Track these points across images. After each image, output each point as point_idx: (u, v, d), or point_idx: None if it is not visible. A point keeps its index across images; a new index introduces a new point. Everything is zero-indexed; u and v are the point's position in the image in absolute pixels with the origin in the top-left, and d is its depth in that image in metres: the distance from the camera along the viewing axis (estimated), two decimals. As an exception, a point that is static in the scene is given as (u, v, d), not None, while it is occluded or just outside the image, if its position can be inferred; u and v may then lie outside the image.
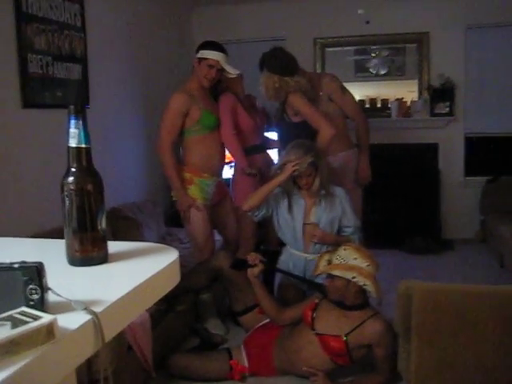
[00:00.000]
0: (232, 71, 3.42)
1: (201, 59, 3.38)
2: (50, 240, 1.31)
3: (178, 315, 3.24)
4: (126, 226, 3.64)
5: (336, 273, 2.65)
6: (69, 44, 3.55)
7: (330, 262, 2.76)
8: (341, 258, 2.68)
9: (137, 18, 4.58)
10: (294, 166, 3.02)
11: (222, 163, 3.68)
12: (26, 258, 0.89)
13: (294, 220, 3.18)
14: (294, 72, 3.50)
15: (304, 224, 3.18)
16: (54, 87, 3.40)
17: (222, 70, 3.40)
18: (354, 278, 2.60)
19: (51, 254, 1.15)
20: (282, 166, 3.09)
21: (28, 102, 3.17)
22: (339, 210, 3.17)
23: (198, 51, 3.44)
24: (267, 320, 3.04)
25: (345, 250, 2.70)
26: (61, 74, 3.48)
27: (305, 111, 3.48)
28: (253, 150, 3.64)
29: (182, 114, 3.37)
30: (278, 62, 3.49)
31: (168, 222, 4.68)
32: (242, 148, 3.52)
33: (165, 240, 4.27)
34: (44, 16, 3.29)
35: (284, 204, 3.20)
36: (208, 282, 3.23)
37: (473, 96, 5.56)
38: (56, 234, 2.01)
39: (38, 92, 3.26)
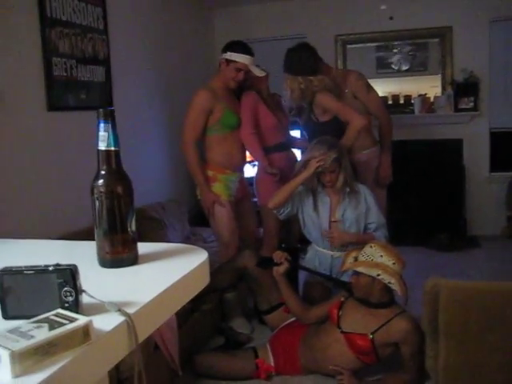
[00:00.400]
0: (259, 73, 3.43)
1: (229, 61, 3.39)
2: (80, 242, 1.33)
3: (203, 314, 3.26)
4: (151, 227, 3.67)
5: (361, 270, 2.64)
6: (92, 47, 3.59)
7: (356, 259, 2.74)
8: (367, 255, 2.67)
9: (158, 19, 4.61)
10: (318, 162, 3.01)
11: (244, 161, 3.72)
12: (58, 260, 0.90)
13: (320, 217, 3.18)
14: (317, 70, 3.50)
15: (330, 221, 3.17)
16: (77, 90, 3.45)
17: (248, 72, 3.41)
18: (378, 275, 2.58)
19: (82, 255, 1.16)
20: (305, 162, 3.09)
21: (53, 105, 3.21)
22: (364, 207, 3.16)
23: (225, 51, 3.43)
24: (293, 319, 3.04)
25: (371, 247, 2.69)
26: (84, 76, 3.51)
27: (334, 107, 3.48)
28: (276, 148, 3.63)
29: (206, 112, 3.39)
30: (300, 62, 3.49)
31: (192, 222, 4.70)
32: (261, 147, 3.53)
33: (189, 240, 4.29)
34: (67, 20, 3.33)
35: (309, 202, 3.20)
36: (233, 281, 3.24)
37: (497, 90, 5.48)
38: (83, 235, 2.04)
39: (62, 95, 3.30)
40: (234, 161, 3.56)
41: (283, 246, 3.77)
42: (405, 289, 2.61)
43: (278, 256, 3.01)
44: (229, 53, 3.40)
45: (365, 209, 3.17)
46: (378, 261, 2.62)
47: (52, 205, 3.15)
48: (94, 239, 1.16)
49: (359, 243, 2.95)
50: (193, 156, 3.40)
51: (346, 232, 3.15)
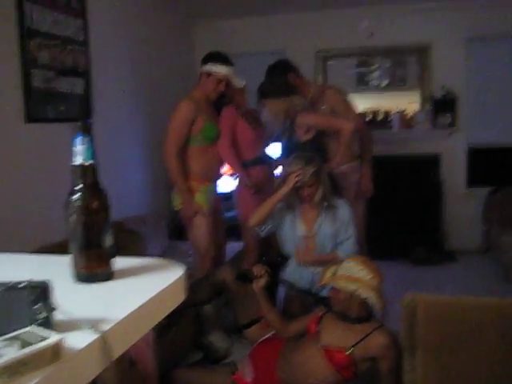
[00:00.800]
0: (238, 84, 3.46)
1: (209, 73, 3.40)
2: (54, 256, 1.31)
3: (181, 329, 3.23)
4: (130, 240, 3.63)
5: (339, 284, 2.64)
6: (72, 58, 3.57)
7: (335, 274, 2.75)
8: (345, 269, 2.67)
9: (139, 31, 4.60)
10: (296, 177, 3.03)
11: (220, 173, 3.77)
12: (31, 274, 0.89)
13: (297, 233, 3.18)
14: (294, 89, 3.58)
15: (307, 237, 3.18)
16: (57, 101, 3.43)
17: (229, 83, 3.43)
18: (356, 290, 2.59)
19: (56, 270, 1.14)
20: (284, 178, 3.10)
21: (31, 117, 3.19)
22: (341, 221, 3.17)
23: (205, 62, 3.45)
24: (272, 332, 3.03)
25: (349, 262, 2.70)
26: (64, 88, 3.50)
27: (320, 121, 3.58)
28: (254, 162, 3.66)
29: (189, 122, 3.41)
30: (278, 85, 3.56)
31: (171, 235, 4.67)
32: (239, 161, 3.56)
33: (168, 253, 4.26)
34: (47, 31, 3.31)
35: (288, 218, 3.20)
36: (212, 296, 3.22)
37: (475, 107, 5.57)
38: (58, 248, 2.01)
39: (41, 106, 3.28)
40: (213, 172, 3.61)
41: (264, 259, 3.76)
42: (383, 304, 2.62)
43: (258, 269, 3.00)
44: (209, 65, 3.42)
45: (341, 224, 3.17)
46: (356, 276, 2.63)
47: (28, 218, 3.11)
48: (68, 253, 1.15)
49: (323, 262, 2.96)
50: (176, 166, 3.40)
51: (309, 252, 3.17)
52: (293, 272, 3.29)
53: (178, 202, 3.56)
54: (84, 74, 3.71)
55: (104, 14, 4.03)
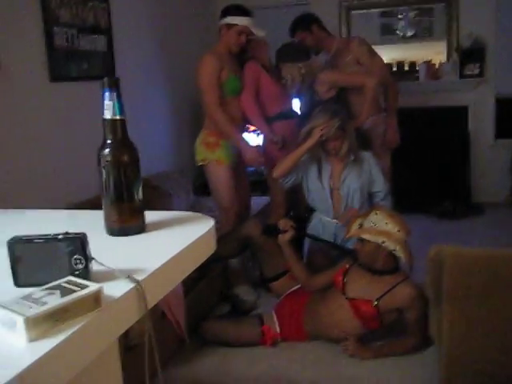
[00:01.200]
0: (259, 34, 3.42)
1: (229, 25, 3.36)
2: (87, 211, 1.34)
3: (209, 282, 3.30)
4: (156, 196, 3.68)
5: (366, 237, 2.65)
6: (93, 16, 3.54)
7: (361, 226, 2.75)
8: (372, 222, 2.68)
9: (159, -14, 4.54)
10: (321, 130, 3.01)
11: (243, 128, 3.76)
12: (67, 228, 0.91)
13: (323, 186, 3.18)
14: (310, 54, 3.60)
15: (333, 189, 3.18)
16: (79, 60, 3.42)
17: (250, 34, 3.39)
18: (383, 242, 2.60)
19: (89, 224, 1.17)
20: (309, 131, 3.09)
21: (55, 76, 3.19)
22: (368, 175, 3.16)
23: (224, 15, 3.41)
24: (298, 286, 3.07)
25: (376, 214, 2.70)
26: (86, 46, 3.48)
27: (341, 78, 3.60)
28: (278, 117, 3.64)
29: (217, 73, 3.37)
30: (296, 49, 3.57)
31: (197, 191, 4.71)
32: (262, 116, 3.55)
33: (194, 209, 4.30)
34: (67, -12, 3.28)
35: (313, 170, 3.20)
36: (239, 250, 3.26)
37: (504, 56, 5.39)
38: (89, 205, 2.04)
39: (64, 65, 3.28)
40: (235, 126, 3.57)
41: (291, 213, 3.78)
42: (410, 256, 2.63)
43: (284, 223, 3.03)
44: (228, 17, 3.38)
45: (369, 177, 3.17)
46: (383, 228, 2.63)
47: (57, 176, 3.16)
48: (100, 209, 1.17)
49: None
50: (223, 115, 3.38)
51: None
52: (316, 225, 3.31)
53: (200, 157, 3.56)
54: (106, 32, 3.68)
55: (123, -32, 3.97)
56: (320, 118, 3.05)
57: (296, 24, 3.86)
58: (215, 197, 3.66)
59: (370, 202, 3.27)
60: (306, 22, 3.84)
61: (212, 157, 3.49)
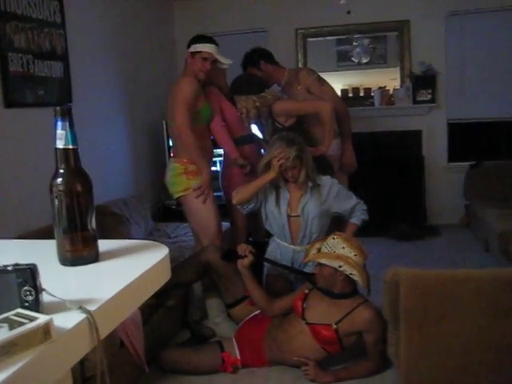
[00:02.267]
0: (225, 61, 3.45)
1: (194, 53, 3.39)
2: (40, 240, 1.32)
3: (168, 310, 3.26)
4: (114, 222, 3.63)
5: (323, 261, 2.68)
6: (49, 41, 3.52)
7: (319, 251, 2.78)
8: (329, 246, 2.71)
9: (118, 13, 4.55)
10: (279, 161, 3.04)
11: (212, 155, 3.74)
12: (17, 259, 0.90)
13: (281, 212, 3.21)
14: (265, 86, 3.64)
15: (290, 216, 3.21)
16: (35, 86, 3.38)
17: (214, 62, 3.42)
18: (340, 266, 2.63)
19: (41, 254, 1.16)
20: (267, 163, 3.11)
21: (10, 102, 3.15)
22: (327, 198, 3.18)
23: (189, 46, 3.44)
24: (257, 311, 3.07)
25: (334, 239, 2.73)
26: (42, 72, 3.45)
27: (296, 107, 3.64)
28: (241, 140, 3.69)
29: (194, 98, 3.37)
30: (250, 82, 3.61)
31: (155, 217, 4.68)
32: (231, 139, 3.59)
33: (152, 235, 4.27)
34: (23, 14, 3.26)
35: (271, 197, 3.22)
36: (197, 276, 3.24)
37: (454, 82, 5.60)
38: (41, 234, 2.01)
39: (19, 91, 3.24)
40: (210, 154, 3.61)
41: (250, 239, 3.79)
42: (367, 280, 2.67)
43: (243, 248, 3.03)
44: (193, 45, 3.41)
45: (329, 201, 3.19)
46: (340, 252, 2.67)
47: (9, 204, 3.09)
48: (52, 238, 1.16)
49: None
50: (192, 137, 3.33)
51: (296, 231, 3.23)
52: (274, 250, 3.32)
53: (181, 187, 3.46)
54: (62, 58, 3.66)
55: (80, -5, 3.97)
56: (277, 146, 3.08)
57: (245, 61, 3.97)
58: (199, 226, 3.53)
59: (339, 223, 3.31)
60: (253, 58, 3.95)
61: (194, 184, 3.42)
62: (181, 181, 3.46)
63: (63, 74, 3.67)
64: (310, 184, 3.16)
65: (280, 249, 3.29)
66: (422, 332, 2.34)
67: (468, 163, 5.52)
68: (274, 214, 3.23)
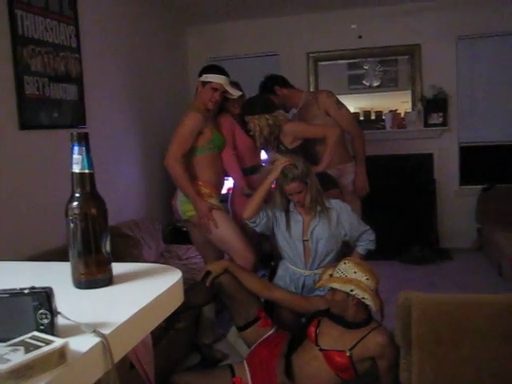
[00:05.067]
0: (234, 93, 3.48)
1: (204, 83, 3.42)
2: (54, 263, 1.33)
3: (178, 333, 3.25)
4: (125, 244, 3.65)
5: (335, 285, 2.66)
6: (64, 65, 3.59)
7: (331, 276, 2.77)
8: (341, 271, 2.70)
9: (131, 37, 4.63)
10: (284, 163, 3.05)
11: (223, 181, 3.76)
12: (31, 281, 0.91)
13: (293, 236, 3.20)
14: (276, 107, 3.69)
15: (303, 241, 3.20)
16: (50, 108, 3.44)
17: (224, 92, 3.45)
18: (352, 290, 2.61)
19: (55, 276, 1.16)
20: (271, 163, 3.13)
21: (25, 124, 3.20)
22: (336, 222, 3.18)
23: (200, 75, 3.47)
24: (269, 333, 3.05)
25: (345, 263, 2.72)
26: (57, 94, 3.51)
27: (304, 129, 3.67)
28: (252, 170, 3.71)
29: (196, 132, 3.38)
30: (262, 101, 3.65)
31: (166, 239, 4.69)
32: (240, 169, 3.60)
33: (163, 257, 4.28)
34: (39, 38, 3.33)
35: (282, 220, 3.22)
36: (208, 299, 3.23)
37: (465, 106, 5.62)
38: (53, 255, 2.01)
39: (34, 113, 3.29)
40: (222, 180, 3.64)
41: (272, 263, 3.71)
42: (379, 304, 2.64)
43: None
44: (204, 75, 3.44)
45: (338, 224, 3.18)
46: (351, 277, 2.66)
47: (21, 224, 3.12)
48: (63, 260, 1.17)
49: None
50: (182, 171, 3.35)
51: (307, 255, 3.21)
52: (283, 275, 3.31)
53: (186, 208, 3.46)
54: (77, 81, 3.72)
55: (95, 20, 4.05)
56: (281, 156, 3.14)
57: (261, 90, 4.03)
58: (220, 244, 3.47)
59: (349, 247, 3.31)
60: (267, 85, 4.01)
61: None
62: (187, 202, 3.45)
63: (77, 97, 3.73)
64: (318, 208, 3.15)
65: (289, 273, 3.27)
66: (434, 358, 2.31)
67: (480, 186, 5.51)
68: (286, 238, 3.22)
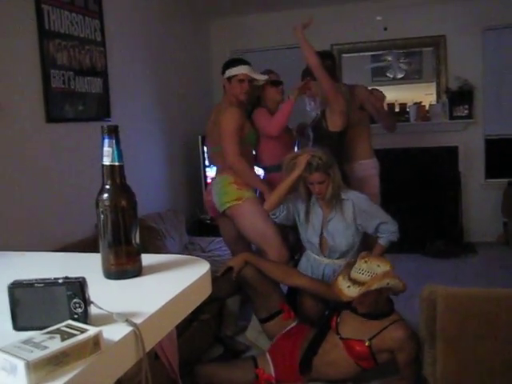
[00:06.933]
0: (261, 77, 3.47)
1: (230, 78, 3.43)
2: (84, 254, 1.35)
3: (202, 324, 3.28)
4: (149, 236, 3.69)
5: (375, 287, 2.59)
6: (90, 59, 3.63)
7: (350, 279, 2.69)
8: (367, 272, 2.65)
9: (155, 30, 4.65)
10: (307, 156, 3.04)
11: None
12: (63, 272, 0.93)
13: (313, 228, 3.20)
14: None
15: (321, 233, 3.20)
16: (75, 101, 3.48)
17: (252, 81, 3.44)
18: (388, 284, 2.59)
19: (86, 267, 1.18)
20: (292, 161, 3.11)
21: (51, 117, 3.25)
22: (354, 213, 3.14)
23: (223, 72, 3.47)
24: (291, 326, 3.06)
25: (366, 262, 2.68)
26: (82, 88, 3.55)
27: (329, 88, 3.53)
28: (273, 168, 3.61)
29: (241, 126, 3.38)
30: (327, 67, 3.57)
31: (190, 231, 4.73)
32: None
33: (187, 249, 4.31)
34: (65, 32, 3.37)
35: (303, 212, 3.23)
36: (232, 291, 3.25)
37: (491, 98, 5.54)
38: (82, 246, 2.05)
39: (60, 106, 3.34)
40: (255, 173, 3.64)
41: (296, 257, 3.69)
42: (404, 284, 2.63)
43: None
44: (227, 71, 3.44)
45: (356, 215, 3.15)
46: (379, 271, 2.63)
47: (49, 216, 3.17)
48: (92, 250, 1.18)
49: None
50: (245, 164, 3.36)
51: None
52: (305, 266, 3.31)
53: (232, 197, 3.40)
54: (102, 74, 3.76)
55: (120, 14, 4.08)
56: (305, 149, 3.13)
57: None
58: (256, 234, 3.42)
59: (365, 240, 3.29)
60: (331, 55, 4.04)
61: (247, 194, 3.39)
62: (232, 190, 3.41)
63: (102, 90, 3.77)
64: (334, 201, 3.14)
65: (311, 263, 3.28)
66: (458, 352, 2.30)
67: (506, 180, 5.43)
68: (305, 230, 3.23)
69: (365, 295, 2.62)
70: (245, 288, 3.20)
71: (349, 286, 2.65)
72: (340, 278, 2.74)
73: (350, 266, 2.77)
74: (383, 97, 3.89)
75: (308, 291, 3.10)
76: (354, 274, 2.67)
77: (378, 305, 2.68)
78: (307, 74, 3.63)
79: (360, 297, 2.63)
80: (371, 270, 2.63)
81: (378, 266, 2.64)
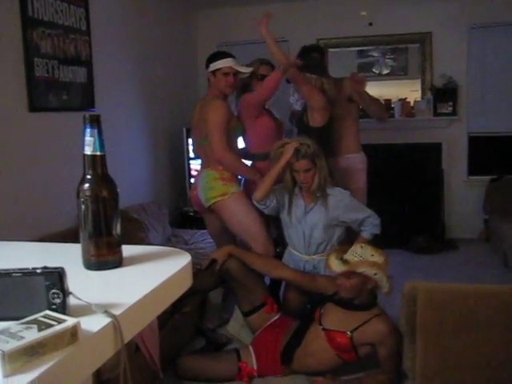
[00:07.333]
0: (246, 70, 3.46)
1: (214, 72, 3.41)
2: (64, 244, 1.34)
3: (183, 316, 3.27)
4: (132, 228, 3.67)
5: (361, 269, 2.63)
6: (74, 47, 3.58)
7: (342, 260, 2.73)
8: (358, 255, 2.67)
9: (141, 20, 4.61)
10: (294, 145, 3.05)
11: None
12: (43, 262, 0.92)
13: (293, 221, 3.21)
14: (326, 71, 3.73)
15: (302, 227, 3.20)
16: (59, 90, 3.44)
17: (236, 74, 3.43)
18: (375, 274, 2.61)
19: (66, 257, 1.17)
20: (279, 150, 3.12)
21: (34, 106, 3.21)
22: (336, 210, 3.15)
23: (207, 66, 3.45)
24: (274, 319, 3.07)
25: (362, 247, 2.71)
26: (66, 77, 3.51)
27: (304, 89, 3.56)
28: (259, 157, 3.59)
29: (228, 119, 3.37)
30: (312, 61, 3.67)
31: (173, 224, 4.71)
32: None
33: (170, 241, 4.30)
34: (49, 20, 3.33)
35: (286, 204, 3.24)
36: (215, 284, 3.25)
37: (476, 95, 5.58)
38: (62, 237, 2.02)
39: (44, 95, 3.30)
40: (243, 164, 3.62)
41: (278, 250, 3.69)
42: (391, 286, 2.65)
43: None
44: (211, 65, 3.42)
45: (338, 212, 3.16)
46: (371, 259, 2.65)
47: (30, 206, 3.14)
48: (72, 241, 1.17)
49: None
50: (235, 158, 3.38)
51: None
52: (287, 260, 3.32)
53: (218, 193, 3.39)
54: (86, 63, 3.72)
55: (106, 3, 4.04)
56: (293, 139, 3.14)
57: (308, 49, 4.01)
58: (242, 229, 3.43)
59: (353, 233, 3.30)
60: (318, 49, 4.10)
61: (232, 189, 3.39)
62: (217, 185, 3.40)
63: (87, 79, 3.73)
64: (318, 194, 3.15)
65: (292, 258, 3.29)
66: (438, 346, 2.33)
67: (488, 177, 5.49)
68: (287, 223, 3.24)
69: (348, 275, 2.64)
70: (228, 281, 3.20)
71: (338, 263, 2.70)
72: (331, 258, 2.78)
73: (345, 248, 2.79)
74: (363, 80, 3.86)
75: (292, 283, 3.12)
76: (348, 255, 2.71)
77: (361, 294, 2.69)
78: (304, 69, 3.63)
79: (344, 274, 2.66)
80: (364, 256, 2.66)
81: (372, 255, 2.66)
